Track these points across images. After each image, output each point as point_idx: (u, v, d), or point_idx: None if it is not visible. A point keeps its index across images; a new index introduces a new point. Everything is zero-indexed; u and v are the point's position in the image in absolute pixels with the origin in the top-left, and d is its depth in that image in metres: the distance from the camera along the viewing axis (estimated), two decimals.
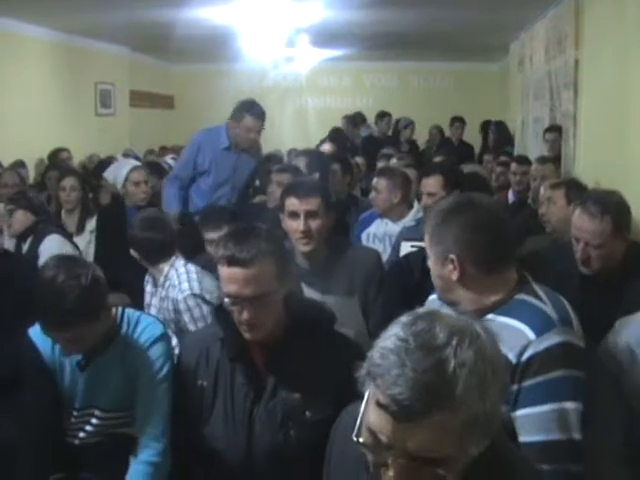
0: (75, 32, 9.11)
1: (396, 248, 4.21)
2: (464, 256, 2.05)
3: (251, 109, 5.35)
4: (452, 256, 2.05)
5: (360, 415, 1.36)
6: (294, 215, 3.10)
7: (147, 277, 3.66)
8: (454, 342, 1.29)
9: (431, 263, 2.14)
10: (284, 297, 2.26)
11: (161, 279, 3.45)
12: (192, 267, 3.46)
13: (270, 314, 2.21)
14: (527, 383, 1.95)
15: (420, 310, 1.39)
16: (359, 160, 7.32)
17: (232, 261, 2.14)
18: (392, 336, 1.32)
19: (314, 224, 3.09)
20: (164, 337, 2.50)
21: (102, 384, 2.46)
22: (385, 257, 4.10)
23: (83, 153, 8.67)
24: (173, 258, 3.47)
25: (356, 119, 10.48)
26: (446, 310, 1.47)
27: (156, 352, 2.43)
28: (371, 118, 10.98)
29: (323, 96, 13.24)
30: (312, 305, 2.49)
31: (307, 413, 2.22)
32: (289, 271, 2.29)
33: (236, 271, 2.14)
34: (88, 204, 5.45)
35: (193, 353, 2.37)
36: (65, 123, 9.11)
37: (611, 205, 3.10)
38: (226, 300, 2.19)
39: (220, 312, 2.32)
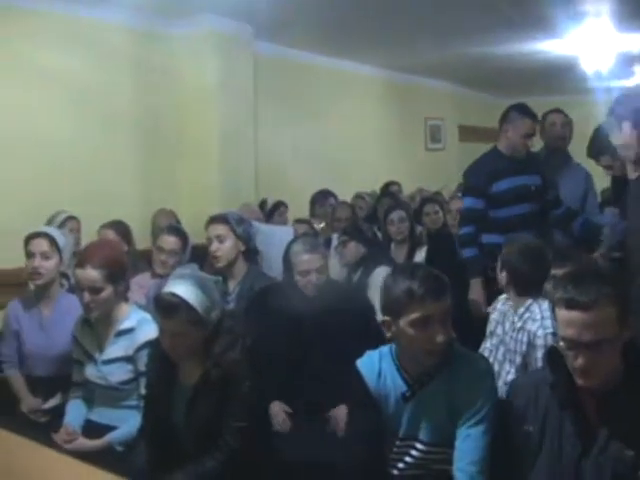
0: (406, 70, 9.49)
1: None
2: None
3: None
4: None
5: None
6: None
7: (494, 304, 3.67)
8: None
9: None
10: (623, 343, 2.11)
11: (521, 309, 3.43)
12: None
13: (607, 361, 2.06)
14: None
15: None
16: None
17: (572, 304, 2.04)
18: None
19: None
20: (489, 374, 2.46)
21: (425, 416, 2.46)
22: None
23: (414, 186, 8.93)
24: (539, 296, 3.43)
25: None
26: None
27: (480, 389, 2.39)
28: None
29: None
30: None
31: None
32: (630, 317, 2.12)
33: (575, 315, 2.04)
34: (415, 235, 5.58)
35: (523, 397, 2.31)
36: (397, 157, 9.51)
37: None
38: (561, 344, 2.10)
39: (552, 355, 2.22)
